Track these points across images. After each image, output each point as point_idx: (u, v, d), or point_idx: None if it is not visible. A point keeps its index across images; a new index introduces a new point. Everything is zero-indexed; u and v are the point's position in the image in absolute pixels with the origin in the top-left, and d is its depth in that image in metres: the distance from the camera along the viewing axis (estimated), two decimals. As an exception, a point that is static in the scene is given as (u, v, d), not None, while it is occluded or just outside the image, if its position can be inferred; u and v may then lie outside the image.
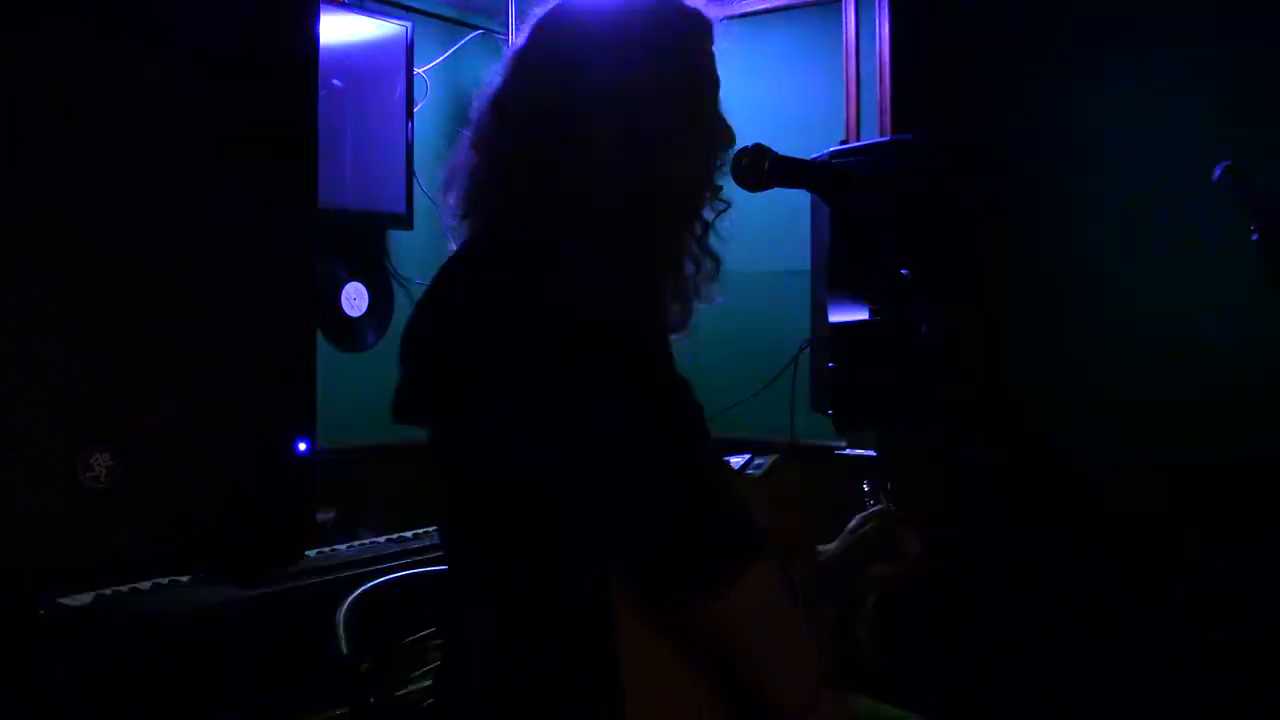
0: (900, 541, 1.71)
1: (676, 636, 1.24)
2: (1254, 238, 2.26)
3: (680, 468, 1.21)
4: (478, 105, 1.45)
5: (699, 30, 1.48)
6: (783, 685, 1.30)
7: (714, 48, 1.50)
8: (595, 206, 1.35)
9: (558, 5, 1.45)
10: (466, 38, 3.74)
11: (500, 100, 1.42)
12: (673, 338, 1.51)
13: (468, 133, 1.44)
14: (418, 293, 1.53)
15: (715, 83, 1.50)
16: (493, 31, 3.82)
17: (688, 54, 1.44)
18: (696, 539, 1.19)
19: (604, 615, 1.21)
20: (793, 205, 3.16)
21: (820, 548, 1.69)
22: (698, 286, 1.54)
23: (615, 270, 1.31)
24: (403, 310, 3.48)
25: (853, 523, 1.76)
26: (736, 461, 1.55)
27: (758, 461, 1.55)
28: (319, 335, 1.59)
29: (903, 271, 1.46)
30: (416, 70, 3.48)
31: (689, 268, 1.52)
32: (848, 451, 3.45)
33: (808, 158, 1.53)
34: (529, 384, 1.23)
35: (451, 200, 1.43)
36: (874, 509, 1.77)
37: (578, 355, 1.21)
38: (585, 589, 1.23)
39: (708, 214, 1.51)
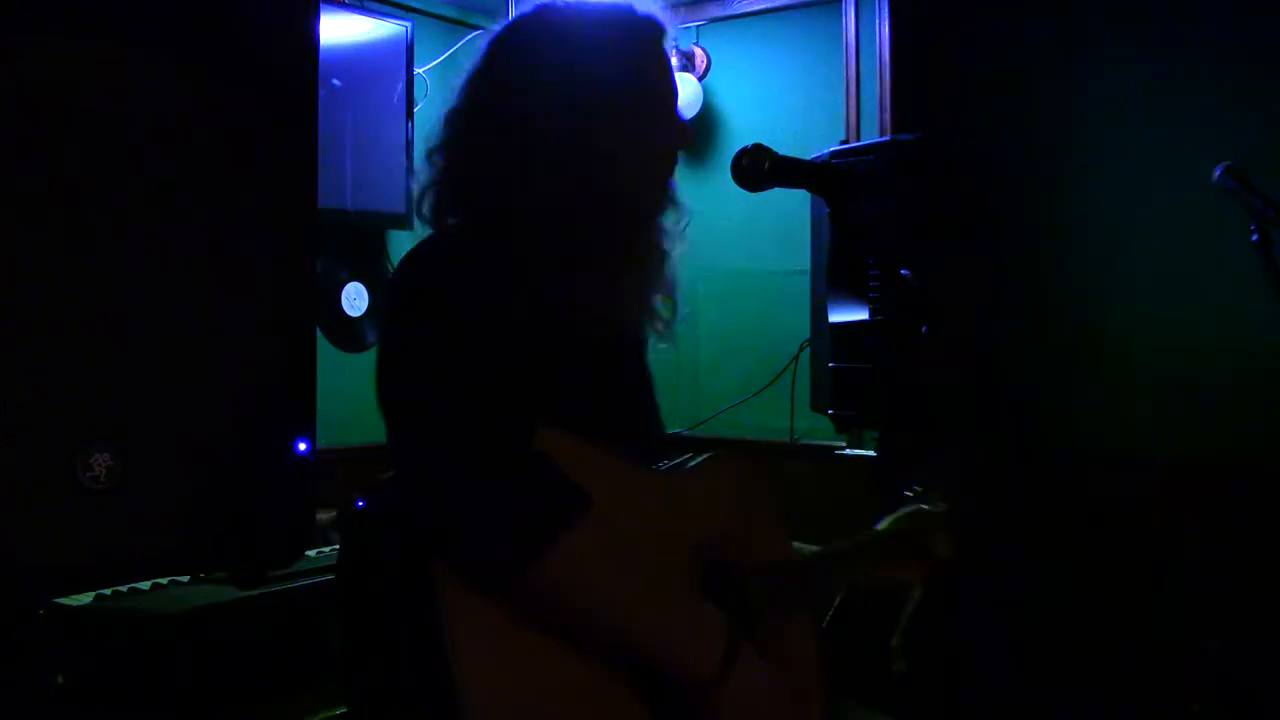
0: (931, 543, 1.69)
1: (524, 613, 1.22)
2: (1254, 238, 2.26)
3: (471, 445, 1.20)
4: (440, 119, 1.53)
5: (646, 37, 1.50)
6: (670, 655, 1.27)
7: (666, 49, 1.52)
8: (545, 216, 1.40)
9: (513, 22, 1.52)
10: (466, 38, 3.74)
11: (454, 116, 1.51)
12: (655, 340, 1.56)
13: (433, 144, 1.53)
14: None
15: (663, 88, 1.51)
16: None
17: (635, 63, 1.47)
18: (491, 517, 1.18)
19: (428, 600, 1.19)
20: (793, 205, 3.16)
21: (829, 544, 1.66)
22: (663, 286, 1.56)
23: (575, 278, 1.38)
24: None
25: (882, 521, 1.74)
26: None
27: (691, 460, 1.53)
28: (319, 335, 1.59)
29: (903, 271, 1.46)
30: (416, 70, 3.48)
31: (654, 270, 1.54)
32: (848, 451, 3.44)
33: (808, 158, 1.53)
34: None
35: (425, 211, 1.54)
36: (907, 509, 1.75)
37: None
38: (412, 571, 1.22)
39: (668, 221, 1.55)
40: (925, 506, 1.75)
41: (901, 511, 1.75)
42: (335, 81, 3.23)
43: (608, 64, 1.43)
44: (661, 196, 1.51)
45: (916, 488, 1.78)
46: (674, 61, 1.54)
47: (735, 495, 1.53)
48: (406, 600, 1.23)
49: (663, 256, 1.56)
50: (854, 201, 1.42)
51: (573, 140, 1.41)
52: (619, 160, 1.43)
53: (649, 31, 1.50)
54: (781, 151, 1.41)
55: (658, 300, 1.58)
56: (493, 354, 1.26)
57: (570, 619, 1.24)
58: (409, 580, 1.23)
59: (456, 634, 1.19)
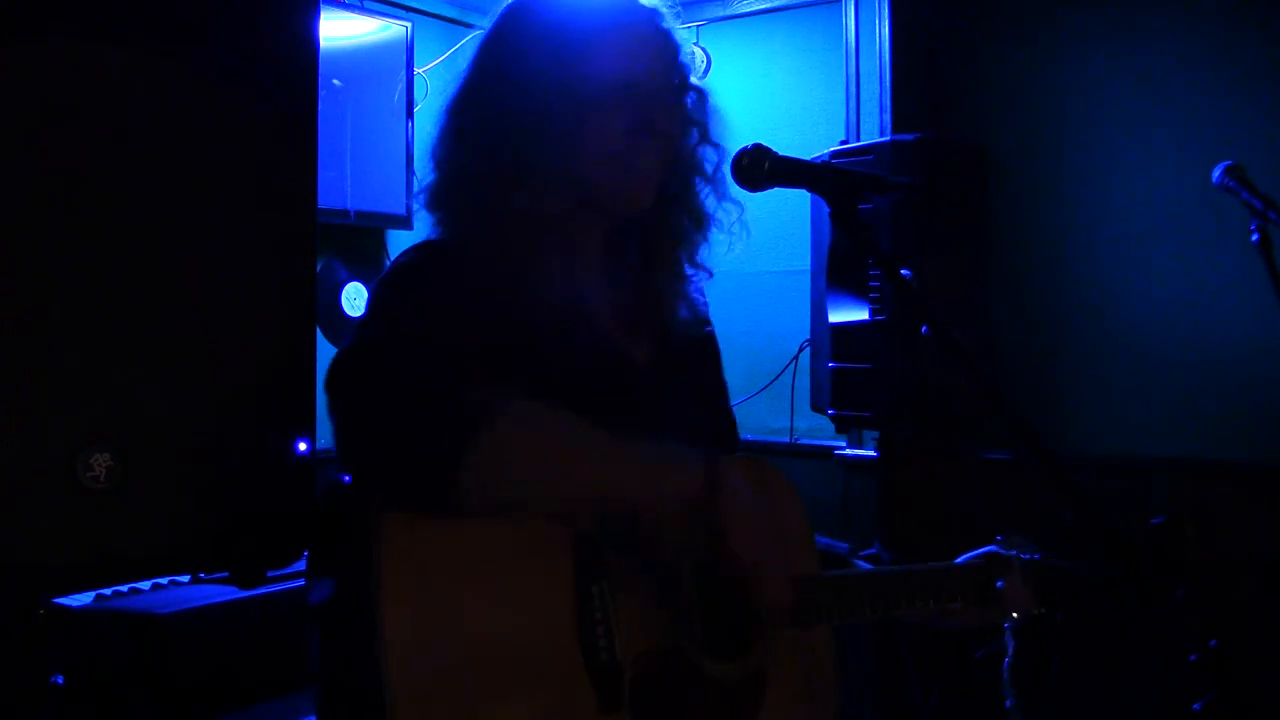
0: (1002, 587, 1.67)
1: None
2: (1254, 238, 2.26)
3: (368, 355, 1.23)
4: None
5: (598, 16, 1.48)
6: (650, 485, 1.26)
7: (624, 25, 1.50)
8: (511, 211, 1.42)
9: (484, 39, 1.56)
10: (466, 38, 3.74)
11: (438, 124, 1.52)
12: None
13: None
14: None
15: (613, 66, 1.47)
16: (493, 31, 3.82)
17: (582, 46, 1.46)
18: (418, 426, 1.19)
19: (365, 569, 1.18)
20: (793, 205, 3.16)
21: (887, 565, 1.62)
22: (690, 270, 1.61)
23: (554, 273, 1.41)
24: (403, 310, 3.49)
25: (959, 559, 1.72)
26: None
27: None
28: (319, 335, 1.59)
29: (903, 271, 1.46)
30: (416, 70, 3.48)
31: (683, 263, 1.59)
32: (848, 451, 3.45)
33: (808, 158, 1.53)
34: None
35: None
36: (986, 549, 1.73)
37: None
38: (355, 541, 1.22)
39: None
40: (1010, 554, 1.73)
41: (979, 551, 1.74)
42: (335, 81, 3.23)
43: (548, 53, 1.44)
44: (636, 179, 1.48)
45: (1008, 536, 1.76)
46: (648, 35, 1.52)
47: (761, 499, 1.45)
48: (348, 569, 1.22)
49: (669, 244, 1.55)
50: (854, 201, 1.42)
51: (528, 132, 1.42)
52: (579, 148, 1.44)
53: (604, 11, 1.48)
54: (781, 151, 1.41)
55: (670, 283, 1.58)
56: (435, 319, 1.30)
57: (518, 482, 1.23)
58: (352, 551, 1.21)
59: (386, 610, 1.16)
